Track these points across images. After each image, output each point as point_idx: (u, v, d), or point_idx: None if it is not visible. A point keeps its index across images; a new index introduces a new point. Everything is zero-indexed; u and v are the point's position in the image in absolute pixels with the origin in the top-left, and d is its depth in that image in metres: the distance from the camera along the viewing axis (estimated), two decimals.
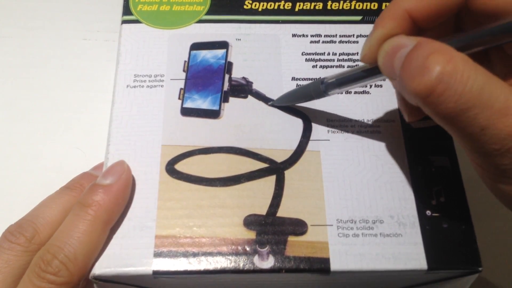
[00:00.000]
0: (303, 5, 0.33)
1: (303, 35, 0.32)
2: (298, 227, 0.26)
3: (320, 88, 0.27)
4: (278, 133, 0.29)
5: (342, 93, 0.30)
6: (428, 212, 0.27)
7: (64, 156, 0.39)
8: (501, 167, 0.21)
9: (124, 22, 0.32)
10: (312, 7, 0.33)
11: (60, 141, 0.39)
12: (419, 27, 0.24)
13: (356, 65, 0.31)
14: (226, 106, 0.29)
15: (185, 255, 0.25)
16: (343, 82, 0.27)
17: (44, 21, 0.45)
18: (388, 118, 0.29)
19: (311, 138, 0.29)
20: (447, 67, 0.20)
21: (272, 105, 0.30)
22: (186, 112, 0.29)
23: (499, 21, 0.21)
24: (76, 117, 0.40)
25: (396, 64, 0.22)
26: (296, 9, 0.33)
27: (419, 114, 0.26)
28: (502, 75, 0.24)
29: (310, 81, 0.28)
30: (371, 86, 0.30)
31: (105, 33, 0.44)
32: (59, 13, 0.45)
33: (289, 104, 0.30)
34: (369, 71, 0.25)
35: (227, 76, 0.30)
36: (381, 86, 0.30)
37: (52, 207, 0.27)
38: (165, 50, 0.31)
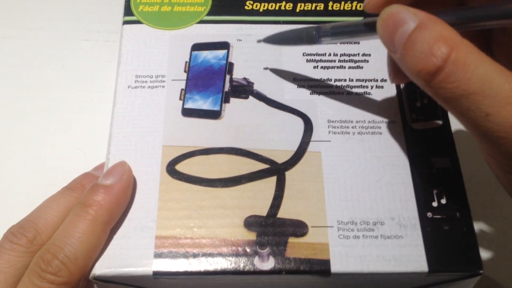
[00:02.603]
0: (304, 6, 0.33)
1: None
2: (299, 228, 0.26)
3: (313, 34, 0.27)
4: (279, 133, 0.29)
5: (336, 43, 0.30)
6: (429, 214, 0.26)
7: (65, 156, 0.39)
8: (510, 155, 0.21)
9: (125, 22, 0.32)
10: (313, 8, 0.33)
11: (61, 141, 0.39)
12: None
13: (357, 66, 0.31)
14: (227, 107, 0.29)
15: (186, 256, 0.25)
16: (337, 33, 0.26)
17: (44, 22, 0.45)
18: (389, 119, 0.29)
19: (312, 139, 0.29)
20: (452, 54, 0.20)
21: (262, 41, 0.30)
22: (187, 112, 0.29)
23: (501, 2, 0.21)
24: (77, 118, 0.40)
25: (397, 41, 0.22)
26: (297, 10, 0.33)
27: (403, 79, 0.26)
28: (503, 65, 0.24)
29: (305, 26, 0.28)
30: (372, 87, 0.30)
31: (105, 34, 0.44)
32: (59, 13, 0.45)
33: (279, 44, 0.29)
34: (366, 28, 0.25)
35: (228, 77, 0.30)
36: (382, 87, 0.30)
37: (53, 208, 0.27)
38: (166, 51, 0.31)
